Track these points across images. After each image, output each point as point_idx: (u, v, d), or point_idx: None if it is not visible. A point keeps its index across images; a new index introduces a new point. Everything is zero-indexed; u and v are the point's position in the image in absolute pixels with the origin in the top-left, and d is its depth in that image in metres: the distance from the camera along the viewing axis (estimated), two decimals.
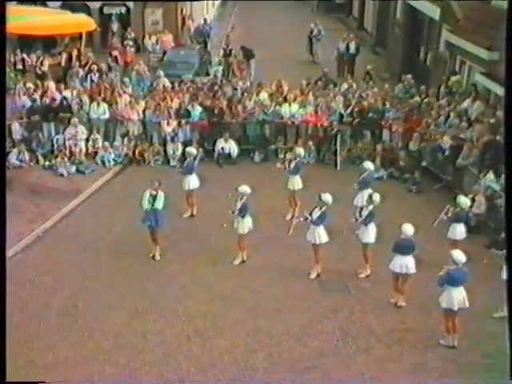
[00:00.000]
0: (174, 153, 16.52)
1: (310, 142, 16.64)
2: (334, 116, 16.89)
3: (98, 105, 16.79)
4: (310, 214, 11.07)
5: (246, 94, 17.94)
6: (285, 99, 17.52)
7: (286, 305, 10.55)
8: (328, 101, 17.13)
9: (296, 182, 13.30)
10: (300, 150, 13.63)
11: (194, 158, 13.52)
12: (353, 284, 11.15)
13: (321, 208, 11.00)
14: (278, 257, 12.03)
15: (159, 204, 11.51)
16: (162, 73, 18.88)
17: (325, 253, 11.45)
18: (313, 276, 11.30)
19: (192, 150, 13.81)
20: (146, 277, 11.32)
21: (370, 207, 11.11)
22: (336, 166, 16.36)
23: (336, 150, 16.46)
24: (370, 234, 11.14)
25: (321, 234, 11.06)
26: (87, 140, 16.53)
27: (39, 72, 19.47)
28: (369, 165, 12.89)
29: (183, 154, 15.19)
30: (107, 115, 16.84)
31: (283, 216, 13.48)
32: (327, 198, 10.98)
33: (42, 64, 19.64)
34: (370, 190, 12.07)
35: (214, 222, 13.03)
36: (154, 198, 11.51)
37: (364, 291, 10.98)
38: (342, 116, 16.93)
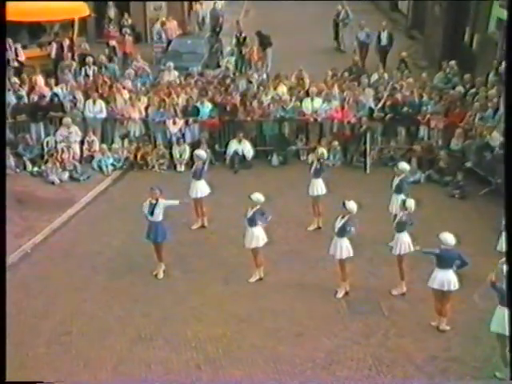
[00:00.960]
0: (180, 156, 16.66)
1: (336, 142, 16.67)
2: (362, 111, 16.94)
3: (94, 102, 16.98)
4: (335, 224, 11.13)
5: (262, 87, 18.05)
6: (306, 93, 17.61)
7: (309, 328, 10.56)
8: (356, 94, 17.18)
9: (318, 187, 13.35)
10: (323, 151, 13.68)
11: (204, 162, 13.63)
12: (387, 304, 11.13)
13: (343, 217, 11.04)
14: (300, 273, 12.05)
15: (157, 215, 11.55)
16: (171, 65, 19.05)
17: (353, 268, 11.45)
18: (340, 295, 11.33)
19: (202, 152, 13.92)
20: (150, 297, 11.40)
21: (403, 214, 11.11)
22: (365, 169, 16.38)
23: (365, 151, 16.48)
24: (405, 245, 11.14)
25: (344, 247, 11.08)
26: (82, 142, 16.71)
27: (15, 64, 19.10)
28: (404, 166, 12.90)
29: (191, 157, 15.34)
30: (104, 114, 17.04)
31: (305, 227, 13.55)
32: (351, 205, 11.01)
33: (17, 55, 19.33)
34: (402, 196, 12.09)
35: (226, 234, 13.13)
36: (152, 207, 11.59)
37: (400, 312, 10.96)
38: (372, 111, 16.97)
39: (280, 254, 12.53)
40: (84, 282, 11.87)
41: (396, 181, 12.65)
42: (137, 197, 13.81)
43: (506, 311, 9.08)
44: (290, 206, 14.31)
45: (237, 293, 11.50)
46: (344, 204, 11.01)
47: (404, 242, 11.14)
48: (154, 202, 11.59)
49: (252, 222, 11.48)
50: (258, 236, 11.55)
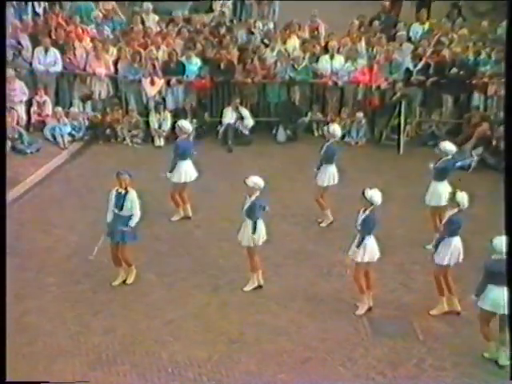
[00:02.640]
0: (159, 126, 16.65)
1: (361, 113, 16.71)
2: (397, 73, 16.95)
3: (46, 51, 16.97)
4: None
5: (267, 40, 18.06)
6: (324, 49, 17.61)
7: (319, 352, 10.52)
8: (389, 50, 17.13)
9: (328, 175, 13.28)
10: (334, 128, 13.57)
11: (189, 136, 13.60)
12: (422, 325, 11.04)
13: (365, 210, 10.94)
14: (310, 281, 12.06)
15: (127, 209, 11.38)
16: (150, 6, 19.05)
17: (379, 276, 11.47)
18: (361, 311, 11.29)
19: (186, 124, 13.89)
20: (115, 309, 11.38)
21: (453, 211, 11.03)
22: (398, 149, 16.38)
23: (399, 125, 16.49)
24: (450, 251, 11.08)
25: (368, 248, 10.99)
26: (29, 103, 16.74)
27: None
28: (449, 146, 12.86)
29: (173, 128, 15.31)
30: (60, 67, 17.05)
31: (319, 222, 13.57)
32: (372, 195, 10.85)
33: None
34: (445, 185, 12.06)
35: (216, 228, 13.19)
36: (122, 200, 11.37)
37: (440, 337, 10.84)
38: (409, 73, 16.93)
39: (284, 255, 12.55)
40: (28, 288, 11.82)
41: (437, 164, 12.62)
42: (101, 177, 13.87)
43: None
44: (298, 195, 14.32)
45: (227, 304, 11.49)
46: (364, 193, 10.93)
47: (456, 249, 11.05)
48: (122, 191, 11.41)
49: (250, 213, 11.46)
50: (260, 232, 11.51)
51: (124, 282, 11.93)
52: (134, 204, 11.42)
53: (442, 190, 12.43)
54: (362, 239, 10.93)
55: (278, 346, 10.60)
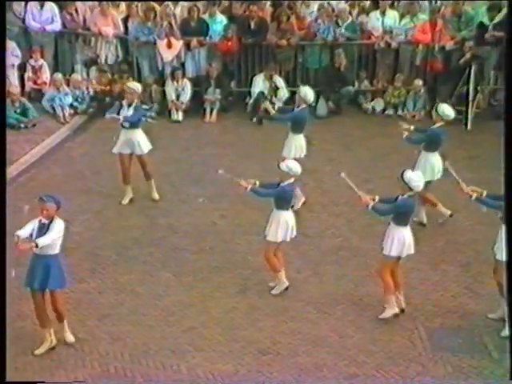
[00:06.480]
0: (177, 97, 16.80)
1: (420, 81, 16.71)
2: (466, 30, 16.84)
3: (42, 5, 17.19)
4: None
5: None
6: (376, 3, 17.58)
7: (366, 367, 10.48)
8: (458, 1, 16.92)
9: (295, 146, 13.44)
10: (306, 91, 13.57)
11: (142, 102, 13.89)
12: (495, 339, 10.81)
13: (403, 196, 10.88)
14: (354, 282, 12.15)
15: (49, 245, 10.12)
16: None
17: (439, 279, 11.68)
18: (385, 314, 11.24)
19: (135, 84, 14.03)
20: (124, 313, 11.48)
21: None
22: (466, 124, 16.40)
23: (467, 94, 16.46)
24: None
25: (395, 240, 10.98)
26: (23, 68, 16.99)
27: None
28: None
29: (195, 98, 15.47)
30: (58, 25, 17.28)
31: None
32: (411, 177, 10.76)
33: None
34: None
35: (243, 220, 13.39)
36: (44, 233, 10.15)
37: None
38: (484, 28, 16.74)
39: (324, 252, 12.75)
40: (23, 288, 11.52)
41: None
42: (108, 157, 14.01)
43: None
44: (341, 179, 14.26)
45: (257, 309, 11.58)
46: (402, 175, 10.86)
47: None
48: (45, 221, 10.27)
49: (280, 202, 11.56)
50: (287, 224, 11.61)
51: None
52: (51, 233, 10.08)
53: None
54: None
55: (316, 360, 10.61)
